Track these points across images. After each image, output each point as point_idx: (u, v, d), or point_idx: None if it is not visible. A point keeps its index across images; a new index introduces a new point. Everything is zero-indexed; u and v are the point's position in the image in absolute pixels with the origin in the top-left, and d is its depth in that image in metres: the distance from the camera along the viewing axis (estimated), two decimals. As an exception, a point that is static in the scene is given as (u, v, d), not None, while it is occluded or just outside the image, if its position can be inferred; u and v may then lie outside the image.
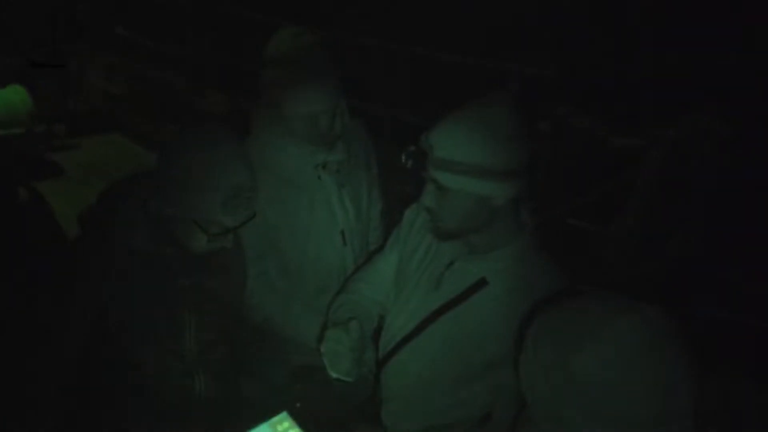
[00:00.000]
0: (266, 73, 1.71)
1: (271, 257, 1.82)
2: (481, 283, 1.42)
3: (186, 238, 1.44)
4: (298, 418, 1.53)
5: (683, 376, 0.89)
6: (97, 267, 1.45)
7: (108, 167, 4.66)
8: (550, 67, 3.26)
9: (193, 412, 1.60)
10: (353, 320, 1.50)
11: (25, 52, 4.31)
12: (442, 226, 1.41)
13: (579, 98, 3.37)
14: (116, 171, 4.97)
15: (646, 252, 2.98)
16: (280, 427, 1.50)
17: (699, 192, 3.15)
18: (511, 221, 1.42)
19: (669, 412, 0.89)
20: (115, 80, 5.67)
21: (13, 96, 3.45)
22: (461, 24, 4.02)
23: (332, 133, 1.77)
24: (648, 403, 0.89)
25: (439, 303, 1.48)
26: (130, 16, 5.93)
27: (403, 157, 1.44)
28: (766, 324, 2.67)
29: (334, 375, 1.48)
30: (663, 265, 2.88)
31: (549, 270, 1.43)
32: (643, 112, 3.28)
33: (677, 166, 3.15)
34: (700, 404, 0.89)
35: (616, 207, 3.11)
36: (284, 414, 1.54)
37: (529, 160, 1.34)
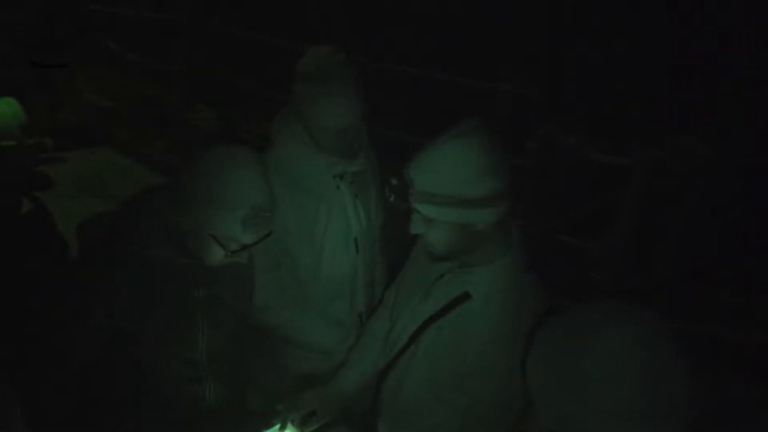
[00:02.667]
0: (298, 87, 1.78)
1: (286, 265, 1.87)
2: (464, 297, 1.47)
3: (203, 251, 1.48)
4: (300, 425, 1.56)
5: (682, 373, 0.96)
6: (113, 277, 1.48)
7: (97, 181, 4.64)
8: (539, 86, 3.35)
9: (202, 419, 1.62)
10: None
11: (17, 61, 4.30)
12: (433, 250, 1.46)
13: (566, 117, 3.45)
14: (105, 185, 4.95)
15: (630, 268, 3.05)
16: (281, 436, 1.53)
17: (681, 210, 3.24)
18: (499, 240, 1.47)
19: (669, 405, 0.95)
20: (104, 94, 5.66)
21: (5, 108, 3.43)
22: (452, 44, 4.10)
23: (354, 147, 1.85)
24: (649, 398, 0.94)
25: (427, 314, 1.53)
26: (120, 31, 5.94)
27: (387, 191, 1.51)
28: (744, 335, 2.75)
29: None
30: (647, 281, 2.95)
31: (533, 288, 1.48)
32: (628, 131, 3.37)
33: (661, 185, 3.23)
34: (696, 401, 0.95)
35: (603, 224, 3.18)
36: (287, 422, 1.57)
37: (508, 184, 1.39)
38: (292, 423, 1.57)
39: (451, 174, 1.35)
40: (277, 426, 1.57)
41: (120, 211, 1.57)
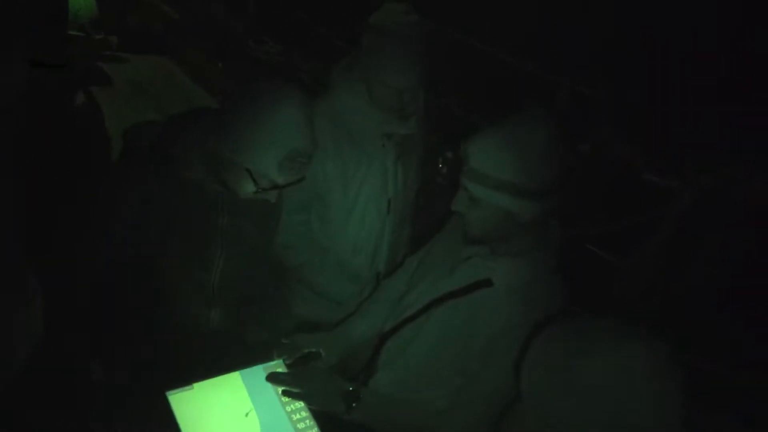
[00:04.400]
0: (366, 39, 1.80)
1: (316, 208, 1.91)
2: (486, 283, 1.48)
3: (235, 182, 1.50)
4: (291, 367, 1.60)
5: (679, 402, 0.95)
6: (145, 187, 1.52)
7: (152, 89, 4.69)
8: (601, 89, 3.26)
9: (200, 342, 1.68)
10: None
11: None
12: (469, 231, 1.47)
13: (623, 125, 3.36)
14: (158, 94, 5.01)
15: (654, 290, 3.00)
16: (273, 372, 1.57)
17: (719, 244, 3.16)
18: (535, 234, 1.47)
19: (663, 424, 0.95)
20: (175, 7, 5.69)
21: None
22: (525, 28, 4.00)
23: (409, 109, 1.85)
24: (643, 415, 0.95)
25: (446, 290, 1.54)
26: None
27: (440, 162, 1.51)
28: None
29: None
30: (668, 305, 2.90)
31: (555, 290, 1.48)
32: (685, 151, 3.27)
33: (704, 214, 3.14)
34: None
35: (635, 242, 3.13)
36: (280, 362, 1.61)
37: (559, 181, 1.39)
38: (284, 362, 1.60)
39: (508, 160, 1.35)
40: (275, 362, 1.60)
41: (167, 124, 1.60)
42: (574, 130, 3.32)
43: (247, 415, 1.45)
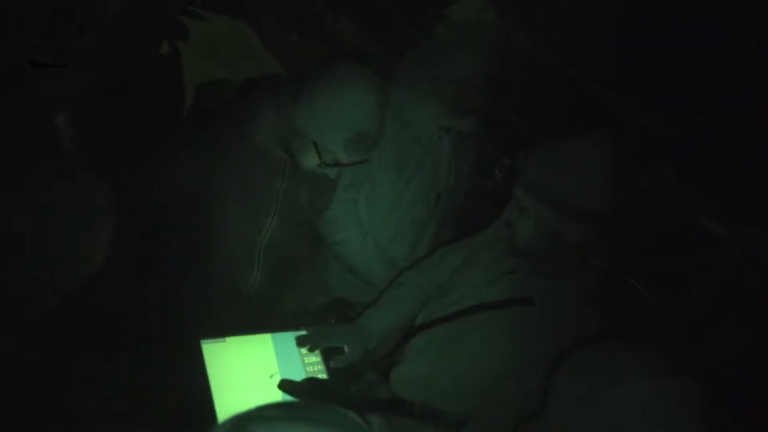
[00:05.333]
0: (439, 30, 1.81)
1: (365, 189, 1.92)
2: (526, 301, 1.49)
3: (300, 152, 1.55)
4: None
5: None
6: (213, 143, 1.57)
7: (226, 51, 4.78)
8: (675, 126, 3.19)
9: (238, 299, 1.73)
10: None
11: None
12: (515, 242, 1.48)
13: (691, 168, 3.29)
14: (233, 56, 5.11)
15: (687, 337, 2.94)
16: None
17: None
18: (579, 259, 1.46)
19: None
20: (261, -28, 5.75)
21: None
22: (607, 52, 3.93)
23: (469, 105, 1.85)
24: None
25: (485, 300, 1.55)
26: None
27: (497, 168, 1.52)
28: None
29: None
30: (700, 353, 2.85)
31: (591, 318, 1.48)
32: (745, 206, 3.18)
33: (751, 273, 3.06)
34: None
35: (679, 285, 3.07)
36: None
37: (609, 209, 1.38)
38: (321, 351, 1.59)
39: (562, 177, 1.37)
40: (302, 332, 1.61)
41: (244, 86, 1.65)
42: (638, 165, 3.27)
43: (271, 377, 1.49)
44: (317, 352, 1.58)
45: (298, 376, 1.51)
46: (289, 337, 1.58)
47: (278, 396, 1.42)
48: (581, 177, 1.36)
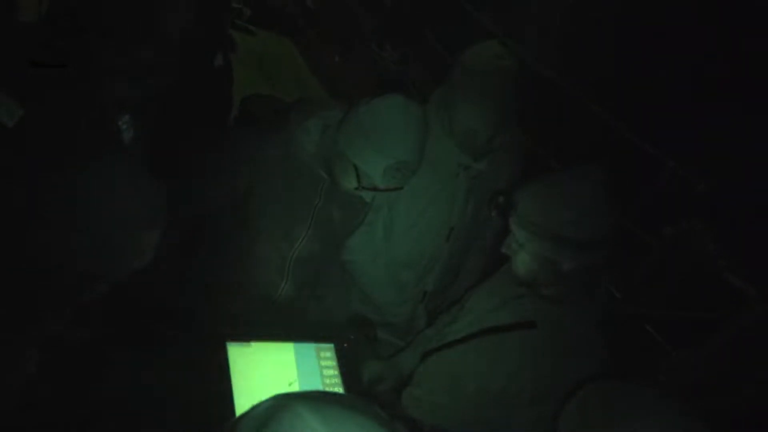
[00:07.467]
0: (455, 73, 1.81)
1: (383, 214, 1.99)
2: (530, 325, 1.54)
3: (340, 174, 1.62)
4: (340, 353, 1.69)
5: None
6: (262, 154, 1.66)
7: (270, 66, 4.92)
8: (707, 181, 3.19)
9: (266, 308, 1.80)
10: None
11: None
12: (515, 272, 1.54)
13: (717, 222, 3.28)
14: (273, 72, 5.24)
15: (702, 390, 2.92)
16: (323, 354, 1.67)
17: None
18: (581, 287, 1.51)
19: None
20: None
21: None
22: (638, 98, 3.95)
23: (482, 150, 1.90)
24: None
25: (493, 323, 1.62)
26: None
27: (492, 206, 1.58)
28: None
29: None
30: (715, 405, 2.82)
31: (595, 347, 1.53)
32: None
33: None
34: None
35: (696, 336, 3.06)
36: (331, 345, 1.70)
37: (603, 238, 1.44)
38: (336, 349, 1.70)
39: (553, 210, 1.43)
40: (327, 345, 1.68)
41: (295, 105, 1.73)
42: (663, 211, 3.28)
43: (290, 384, 1.55)
44: (335, 365, 1.64)
45: (315, 386, 1.57)
46: (310, 349, 1.64)
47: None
48: (571, 209, 1.42)
